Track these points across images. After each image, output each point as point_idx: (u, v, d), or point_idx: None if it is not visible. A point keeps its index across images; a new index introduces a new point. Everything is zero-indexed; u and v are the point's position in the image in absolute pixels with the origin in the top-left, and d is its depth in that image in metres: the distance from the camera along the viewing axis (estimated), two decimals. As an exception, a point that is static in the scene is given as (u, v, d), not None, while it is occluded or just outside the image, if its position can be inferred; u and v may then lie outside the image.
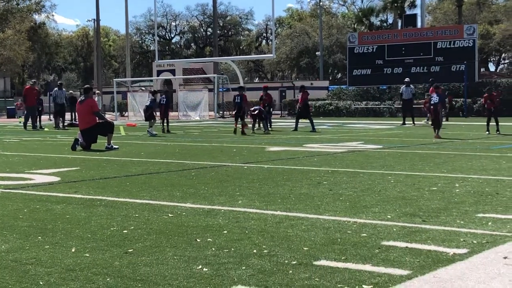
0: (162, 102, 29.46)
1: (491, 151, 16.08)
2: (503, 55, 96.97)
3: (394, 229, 6.56)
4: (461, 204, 8.08)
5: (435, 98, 21.67)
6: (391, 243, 5.95)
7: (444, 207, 7.84)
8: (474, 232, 6.39)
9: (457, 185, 9.85)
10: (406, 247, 5.78)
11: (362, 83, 49.25)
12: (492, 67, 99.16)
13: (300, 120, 28.73)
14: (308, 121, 28.04)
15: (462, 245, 5.83)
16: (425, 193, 9.08)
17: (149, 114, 26.88)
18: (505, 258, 5.39)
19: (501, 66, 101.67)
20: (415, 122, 32.08)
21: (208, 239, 6.17)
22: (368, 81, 48.57)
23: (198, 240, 6.13)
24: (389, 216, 7.29)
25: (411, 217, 7.22)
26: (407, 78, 35.80)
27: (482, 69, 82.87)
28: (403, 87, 33.83)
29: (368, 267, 5.11)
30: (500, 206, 7.92)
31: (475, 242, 5.97)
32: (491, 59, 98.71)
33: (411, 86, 34.42)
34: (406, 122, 32.43)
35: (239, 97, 26.76)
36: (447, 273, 4.95)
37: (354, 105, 47.69)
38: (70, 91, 43.72)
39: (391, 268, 5.09)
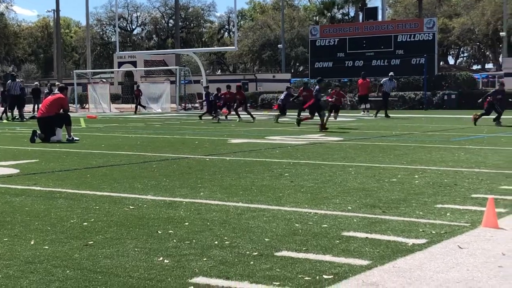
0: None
1: (450, 143, 16.31)
2: (462, 48, 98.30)
3: (355, 220, 6.63)
4: (420, 195, 8.19)
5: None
6: (352, 233, 6.01)
7: (404, 198, 7.94)
8: (433, 223, 6.48)
9: (416, 176, 9.97)
10: (366, 237, 5.84)
11: (324, 76, 49.42)
12: (451, 61, 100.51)
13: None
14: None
15: (421, 236, 5.92)
16: (385, 184, 9.18)
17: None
18: (460, 248, 5.48)
19: (460, 60, 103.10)
20: (378, 115, 32.27)
21: (170, 231, 6.15)
22: (329, 74, 48.73)
23: (159, 232, 6.11)
24: (350, 207, 7.35)
25: (371, 208, 7.29)
26: (392, 72, 35.97)
27: (441, 63, 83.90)
28: (386, 79, 33.84)
29: (328, 258, 5.15)
30: (458, 197, 8.05)
31: (433, 232, 6.05)
32: (451, 53, 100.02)
33: (394, 80, 34.72)
34: (388, 114, 32.00)
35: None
36: (406, 263, 5.02)
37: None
38: (36, 83, 42.89)
39: (351, 258, 5.14)
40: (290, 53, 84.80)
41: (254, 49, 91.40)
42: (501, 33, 61.37)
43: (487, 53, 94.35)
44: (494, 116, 24.29)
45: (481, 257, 5.18)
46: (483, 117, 24.54)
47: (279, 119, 28.32)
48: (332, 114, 25.50)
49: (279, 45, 73.33)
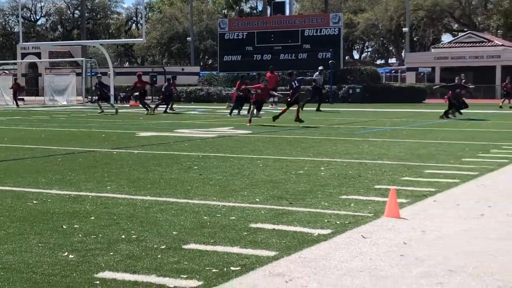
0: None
1: (355, 136, 16.69)
2: (367, 43, 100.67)
3: (262, 212, 6.69)
4: (326, 186, 8.35)
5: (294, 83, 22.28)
6: (259, 225, 6.07)
7: (310, 190, 8.08)
8: (338, 213, 6.62)
9: (322, 168, 10.16)
10: (273, 229, 5.92)
11: (233, 69, 49.58)
12: (356, 55, 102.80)
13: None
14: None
15: (326, 226, 6.04)
16: (292, 176, 9.31)
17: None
18: (364, 237, 5.63)
19: (364, 54, 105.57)
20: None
21: (75, 226, 6.04)
22: (238, 67, 48.89)
23: (64, 227, 5.99)
24: (258, 199, 7.42)
25: (278, 200, 7.39)
26: (321, 66, 36.24)
27: (347, 57, 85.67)
28: (316, 73, 33.89)
29: (236, 249, 5.18)
30: (362, 188, 8.25)
31: (338, 222, 6.19)
32: (355, 47, 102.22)
33: (322, 74, 35.04)
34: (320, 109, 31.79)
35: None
36: (312, 253, 5.11)
37: (225, 91, 47.97)
38: None
39: (258, 249, 5.19)
40: (199, 46, 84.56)
41: (163, 41, 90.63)
42: (403, 29, 63.20)
43: (391, 48, 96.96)
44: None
45: (384, 246, 5.33)
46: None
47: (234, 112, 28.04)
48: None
49: (188, 38, 72.95)
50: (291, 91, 22.20)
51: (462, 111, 24.69)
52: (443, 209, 6.88)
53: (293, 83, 22.64)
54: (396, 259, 4.95)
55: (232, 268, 4.66)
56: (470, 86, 27.16)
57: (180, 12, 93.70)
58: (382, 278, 4.48)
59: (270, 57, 47.10)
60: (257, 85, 23.34)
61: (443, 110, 24.89)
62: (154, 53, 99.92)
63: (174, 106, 32.95)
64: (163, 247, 5.27)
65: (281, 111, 22.37)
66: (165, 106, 31.00)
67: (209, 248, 5.23)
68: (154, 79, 61.15)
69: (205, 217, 6.42)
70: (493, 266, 4.75)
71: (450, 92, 25.03)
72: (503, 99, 36.09)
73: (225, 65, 50.17)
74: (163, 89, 31.62)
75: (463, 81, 26.12)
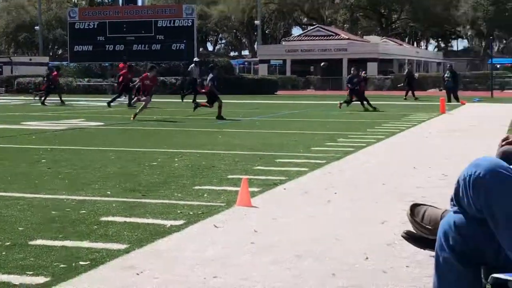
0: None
1: (209, 127, 16.80)
2: (220, 35, 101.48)
3: (114, 205, 6.59)
4: (179, 177, 8.35)
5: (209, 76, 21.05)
6: (110, 218, 5.97)
7: (163, 181, 8.05)
8: (191, 204, 6.65)
9: (176, 159, 10.16)
10: (125, 221, 5.85)
11: (84, 60, 48.33)
12: (210, 47, 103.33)
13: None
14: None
15: (179, 217, 6.05)
16: (145, 168, 9.23)
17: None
18: (216, 227, 5.69)
19: (218, 46, 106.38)
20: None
21: None
22: (90, 58, 47.74)
23: None
24: (109, 192, 7.30)
25: (131, 192, 7.30)
26: (197, 58, 35.58)
27: (201, 49, 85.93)
28: (192, 65, 32.99)
29: (86, 244, 5.07)
30: (215, 178, 8.33)
31: (191, 213, 6.22)
32: (209, 39, 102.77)
33: (198, 66, 34.50)
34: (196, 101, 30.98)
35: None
36: (164, 245, 5.10)
37: (76, 82, 46.70)
38: None
39: (109, 243, 5.11)
40: (48, 35, 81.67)
41: (9, 30, 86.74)
42: (255, 22, 64.27)
43: (244, 40, 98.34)
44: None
45: (235, 235, 5.42)
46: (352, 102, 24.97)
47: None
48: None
49: (36, 27, 70.24)
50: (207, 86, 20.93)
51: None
52: (292, 197, 7.09)
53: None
54: (247, 247, 5.05)
55: (82, 263, 4.55)
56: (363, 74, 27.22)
57: (27, 1, 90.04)
58: (234, 266, 4.56)
59: (123, 48, 46.30)
60: (144, 75, 21.72)
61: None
62: (0, 43, 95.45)
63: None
64: (8, 243, 5.06)
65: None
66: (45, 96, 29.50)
67: (57, 243, 5.08)
68: (0, 69, 58.44)
69: (53, 212, 6.23)
70: (338, 249, 4.96)
71: (349, 84, 25.11)
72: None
73: (76, 56, 48.79)
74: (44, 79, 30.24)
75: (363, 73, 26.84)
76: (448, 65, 25.48)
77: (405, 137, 14.16)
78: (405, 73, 36.97)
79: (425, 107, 26.48)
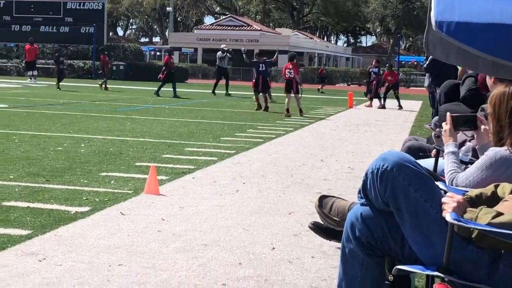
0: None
1: (117, 113, 16.53)
2: (131, 20, 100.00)
3: (16, 189, 6.39)
4: (86, 163, 8.18)
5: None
6: (12, 203, 5.79)
7: (69, 167, 7.87)
8: (97, 191, 6.53)
9: (82, 145, 9.94)
10: (28, 207, 5.68)
11: (-13, 39, 46.56)
12: (120, 32, 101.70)
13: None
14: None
15: (85, 204, 5.93)
16: (50, 153, 8.99)
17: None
18: (122, 214, 5.62)
19: (129, 31, 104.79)
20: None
21: None
22: (-6, 37, 46.05)
23: None
24: (12, 176, 7.07)
25: (34, 177, 7.10)
26: (224, 45, 32.61)
27: (111, 33, 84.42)
28: (219, 53, 29.63)
29: (-14, 229, 4.90)
30: (123, 165, 8.21)
31: (97, 200, 6.11)
32: (120, 24, 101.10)
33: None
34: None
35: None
36: (68, 231, 4.99)
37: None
38: None
39: (11, 228, 4.95)
40: (-51, 12, 78.21)
41: None
42: (168, 8, 63.67)
43: (155, 27, 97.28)
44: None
45: (142, 223, 5.36)
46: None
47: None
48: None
49: None
50: (256, 75, 19.61)
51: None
52: (201, 186, 7.08)
53: (261, 65, 19.90)
54: (153, 235, 5.00)
55: (-19, 249, 4.40)
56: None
57: None
58: (139, 253, 4.51)
59: (30, 29, 44.93)
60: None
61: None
62: None
63: None
64: None
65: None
66: None
67: (-45, 228, 4.89)
68: None
69: (-49, 196, 5.98)
70: (245, 239, 4.99)
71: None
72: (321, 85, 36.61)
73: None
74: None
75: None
76: (374, 60, 25.49)
77: (313, 130, 14.38)
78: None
79: (333, 101, 26.98)
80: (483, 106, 4.32)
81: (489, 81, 4.76)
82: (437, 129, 4.55)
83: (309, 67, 54.20)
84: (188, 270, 4.22)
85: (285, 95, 18.70)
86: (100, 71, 30.58)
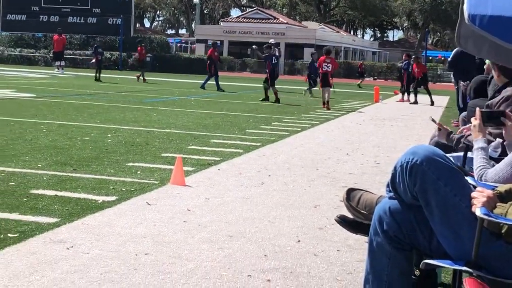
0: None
1: (143, 104, 16.62)
2: (158, 12, 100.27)
3: (44, 178, 6.46)
4: (112, 153, 8.24)
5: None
6: (40, 191, 5.85)
7: (96, 156, 7.93)
8: (124, 180, 6.57)
9: (109, 135, 10.02)
10: (56, 195, 5.74)
11: (17, 29, 47.06)
12: (147, 23, 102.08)
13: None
14: None
15: (111, 193, 5.97)
16: (77, 142, 9.07)
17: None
18: (148, 204, 5.65)
19: (155, 23, 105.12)
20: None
21: None
22: (23, 27, 46.52)
23: None
24: (40, 165, 7.15)
25: (62, 166, 7.17)
26: (272, 39, 33.22)
27: (138, 25, 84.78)
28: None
29: (15, 216, 4.96)
30: (149, 155, 8.26)
31: (124, 189, 6.15)
32: (147, 15, 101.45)
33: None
34: None
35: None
36: (95, 220, 5.04)
37: (7, 52, 45.46)
38: None
39: (39, 216, 5.01)
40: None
41: None
42: (194, 1, 63.76)
43: (181, 19, 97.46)
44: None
45: (168, 213, 5.39)
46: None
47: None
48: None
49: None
50: (272, 68, 20.13)
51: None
52: (226, 178, 7.10)
53: (273, 57, 20.46)
54: (179, 225, 5.03)
55: (10, 235, 4.45)
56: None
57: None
58: (165, 243, 4.53)
59: (58, 19, 45.34)
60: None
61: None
62: None
63: None
64: None
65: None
66: None
67: (-16, 214, 4.96)
68: None
69: (-19, 183, 6.06)
70: (270, 231, 4.99)
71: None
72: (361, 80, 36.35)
73: (8, 24, 47.49)
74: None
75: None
76: (405, 55, 25.06)
77: (339, 123, 14.34)
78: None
79: (359, 95, 26.86)
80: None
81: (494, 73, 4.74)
82: (454, 135, 4.55)
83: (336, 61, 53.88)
84: (214, 260, 4.24)
85: (321, 89, 18.99)
86: (139, 63, 30.71)
